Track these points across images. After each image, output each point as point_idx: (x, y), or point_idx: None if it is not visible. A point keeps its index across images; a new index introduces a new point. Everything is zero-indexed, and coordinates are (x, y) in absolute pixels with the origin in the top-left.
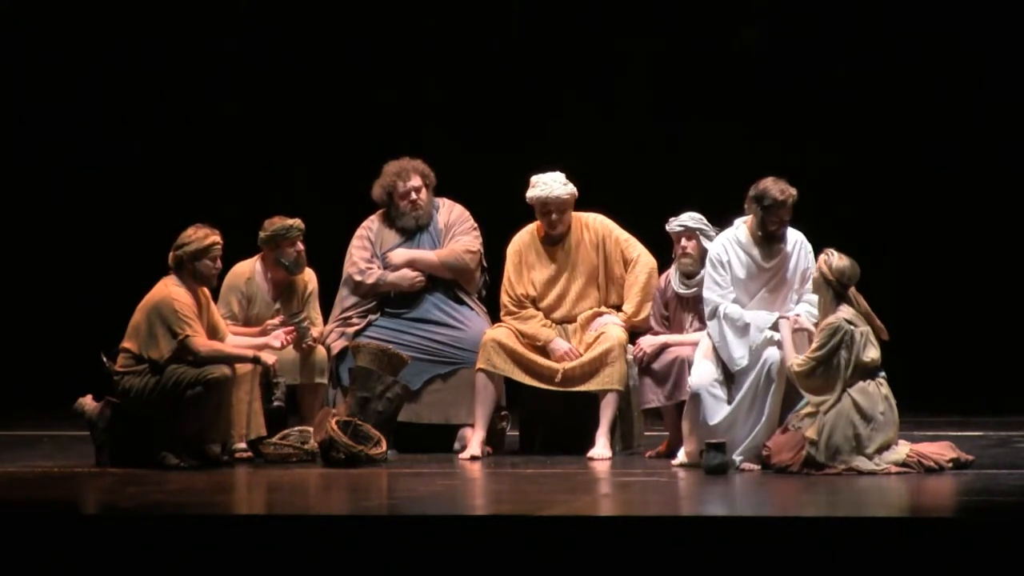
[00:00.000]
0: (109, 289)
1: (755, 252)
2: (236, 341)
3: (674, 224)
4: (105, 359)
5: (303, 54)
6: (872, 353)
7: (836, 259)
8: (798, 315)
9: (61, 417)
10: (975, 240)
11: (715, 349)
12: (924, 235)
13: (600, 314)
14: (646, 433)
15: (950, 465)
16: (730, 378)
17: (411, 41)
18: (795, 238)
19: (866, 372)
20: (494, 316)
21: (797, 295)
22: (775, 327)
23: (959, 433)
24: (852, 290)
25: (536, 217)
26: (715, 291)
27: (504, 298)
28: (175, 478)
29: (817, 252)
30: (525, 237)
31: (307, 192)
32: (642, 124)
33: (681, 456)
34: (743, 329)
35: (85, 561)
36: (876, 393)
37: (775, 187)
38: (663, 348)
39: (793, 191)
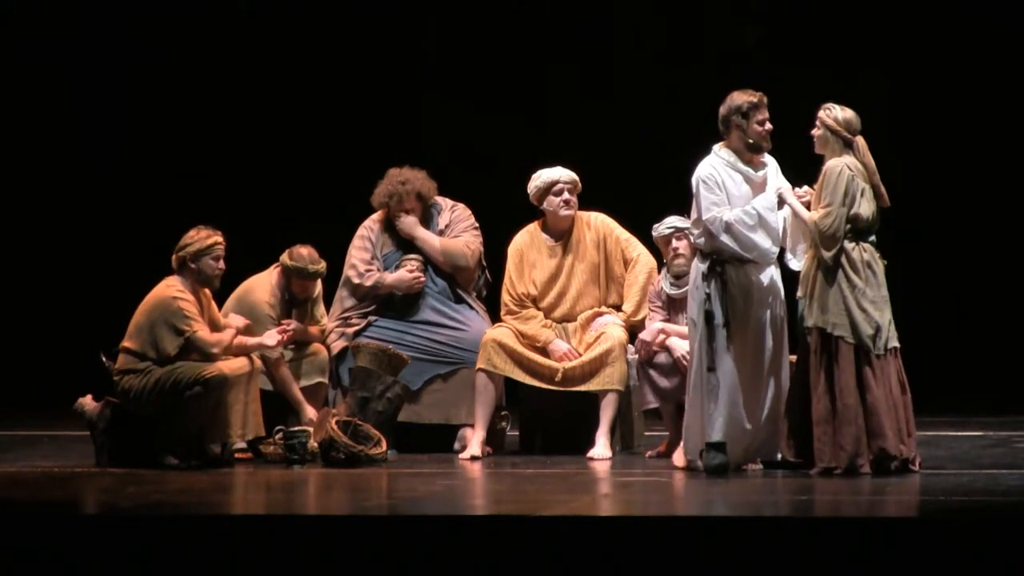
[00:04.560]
0: (109, 289)
1: (743, 167)
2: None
3: (662, 228)
4: (105, 359)
5: (304, 53)
6: (865, 209)
7: (839, 111)
8: (798, 190)
9: (61, 417)
10: (975, 240)
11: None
12: (924, 235)
13: (600, 314)
14: (646, 433)
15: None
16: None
17: (411, 40)
18: (770, 158)
19: (856, 232)
20: (494, 316)
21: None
22: (780, 203)
23: (959, 433)
24: (862, 143)
25: (541, 212)
26: (713, 210)
27: (505, 297)
28: (175, 478)
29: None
30: (526, 237)
31: (309, 190)
32: (642, 124)
33: (679, 458)
34: (759, 221)
35: (85, 561)
36: (859, 259)
37: (743, 94)
38: (661, 335)
39: (760, 92)
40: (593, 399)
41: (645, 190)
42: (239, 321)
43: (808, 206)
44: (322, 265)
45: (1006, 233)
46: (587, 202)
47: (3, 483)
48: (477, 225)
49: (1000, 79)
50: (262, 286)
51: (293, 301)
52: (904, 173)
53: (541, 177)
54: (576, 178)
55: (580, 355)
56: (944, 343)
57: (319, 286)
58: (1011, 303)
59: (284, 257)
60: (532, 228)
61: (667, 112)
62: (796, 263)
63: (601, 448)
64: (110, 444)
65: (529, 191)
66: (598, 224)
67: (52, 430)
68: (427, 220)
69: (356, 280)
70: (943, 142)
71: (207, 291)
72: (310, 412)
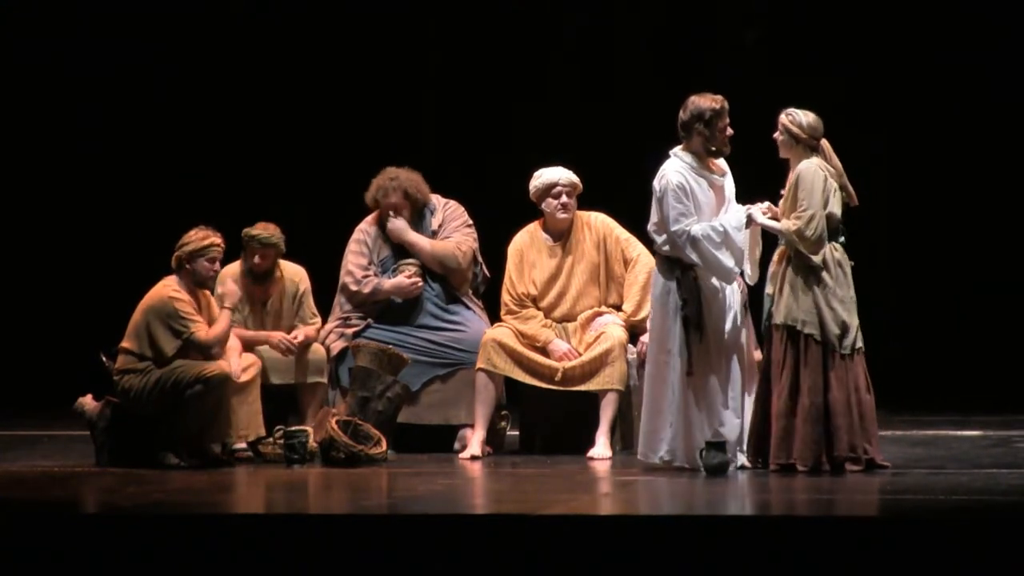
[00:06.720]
0: (109, 289)
1: (706, 173)
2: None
3: None
4: (105, 359)
5: (304, 53)
6: (836, 209)
7: (802, 115)
8: (760, 206)
9: (61, 417)
10: (975, 240)
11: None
12: (924, 235)
13: (600, 314)
14: None
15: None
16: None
17: (412, 40)
18: (723, 162)
19: (829, 232)
20: (494, 314)
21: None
22: (748, 223)
23: (959, 433)
24: (827, 146)
25: (541, 211)
26: (681, 222)
27: (505, 296)
28: (175, 478)
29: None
30: (525, 236)
31: (309, 190)
32: (642, 124)
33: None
34: (725, 239)
35: (85, 561)
36: (831, 259)
37: (705, 99)
38: None
39: (720, 96)
40: (593, 399)
41: (645, 190)
42: (230, 292)
43: (776, 217)
44: (276, 235)
45: (1006, 233)
46: (587, 202)
47: (3, 483)
48: (471, 223)
49: (995, 78)
50: (230, 267)
51: (256, 277)
52: (903, 172)
53: (541, 177)
54: (576, 180)
55: (580, 355)
56: (944, 343)
57: (306, 279)
58: (1011, 303)
59: (244, 238)
60: (532, 228)
61: (668, 112)
62: (750, 279)
63: (601, 448)
64: (110, 444)
65: (530, 190)
66: (598, 224)
67: (52, 430)
68: (420, 219)
69: (354, 288)
70: (944, 143)
71: (206, 292)
72: (274, 336)
